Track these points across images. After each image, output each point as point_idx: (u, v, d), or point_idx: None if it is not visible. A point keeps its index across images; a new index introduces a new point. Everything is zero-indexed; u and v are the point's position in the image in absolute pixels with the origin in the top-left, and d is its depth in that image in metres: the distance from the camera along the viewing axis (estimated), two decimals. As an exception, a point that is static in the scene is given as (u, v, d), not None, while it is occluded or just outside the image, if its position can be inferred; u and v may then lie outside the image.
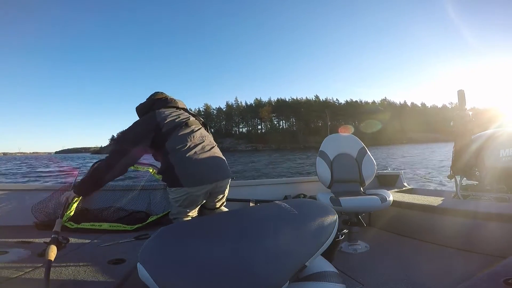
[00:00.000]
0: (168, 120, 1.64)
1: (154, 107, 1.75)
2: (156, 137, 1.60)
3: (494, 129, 2.29)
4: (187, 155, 1.56)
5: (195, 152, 1.60)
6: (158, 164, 1.86)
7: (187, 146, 1.60)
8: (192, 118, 1.77)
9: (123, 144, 1.56)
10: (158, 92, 1.88)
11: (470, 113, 2.31)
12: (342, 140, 2.51)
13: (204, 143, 1.70)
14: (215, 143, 1.82)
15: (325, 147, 2.47)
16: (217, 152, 1.75)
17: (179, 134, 1.63)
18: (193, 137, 1.66)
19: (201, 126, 1.81)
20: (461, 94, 2.33)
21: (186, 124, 1.69)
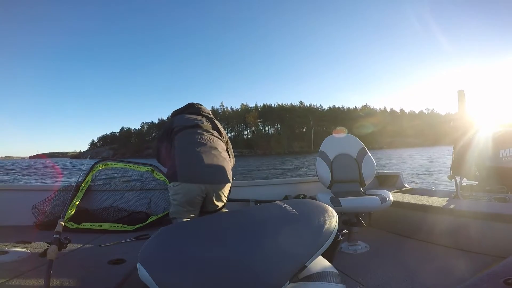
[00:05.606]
0: (181, 121, 1.87)
1: (184, 112, 2.02)
2: (170, 135, 1.84)
3: (494, 129, 2.27)
4: (188, 151, 1.70)
5: (198, 151, 1.69)
6: (159, 165, 2.14)
7: (191, 144, 1.73)
8: (206, 123, 1.92)
9: (157, 143, 1.96)
10: (191, 102, 2.13)
11: (470, 113, 2.30)
12: (342, 141, 2.49)
13: (209, 145, 1.77)
14: (223, 149, 1.87)
15: (325, 147, 2.44)
16: (220, 156, 1.78)
17: (186, 132, 1.79)
18: (200, 138, 1.77)
19: (211, 131, 1.90)
20: (461, 94, 2.33)
21: (196, 125, 1.84)
